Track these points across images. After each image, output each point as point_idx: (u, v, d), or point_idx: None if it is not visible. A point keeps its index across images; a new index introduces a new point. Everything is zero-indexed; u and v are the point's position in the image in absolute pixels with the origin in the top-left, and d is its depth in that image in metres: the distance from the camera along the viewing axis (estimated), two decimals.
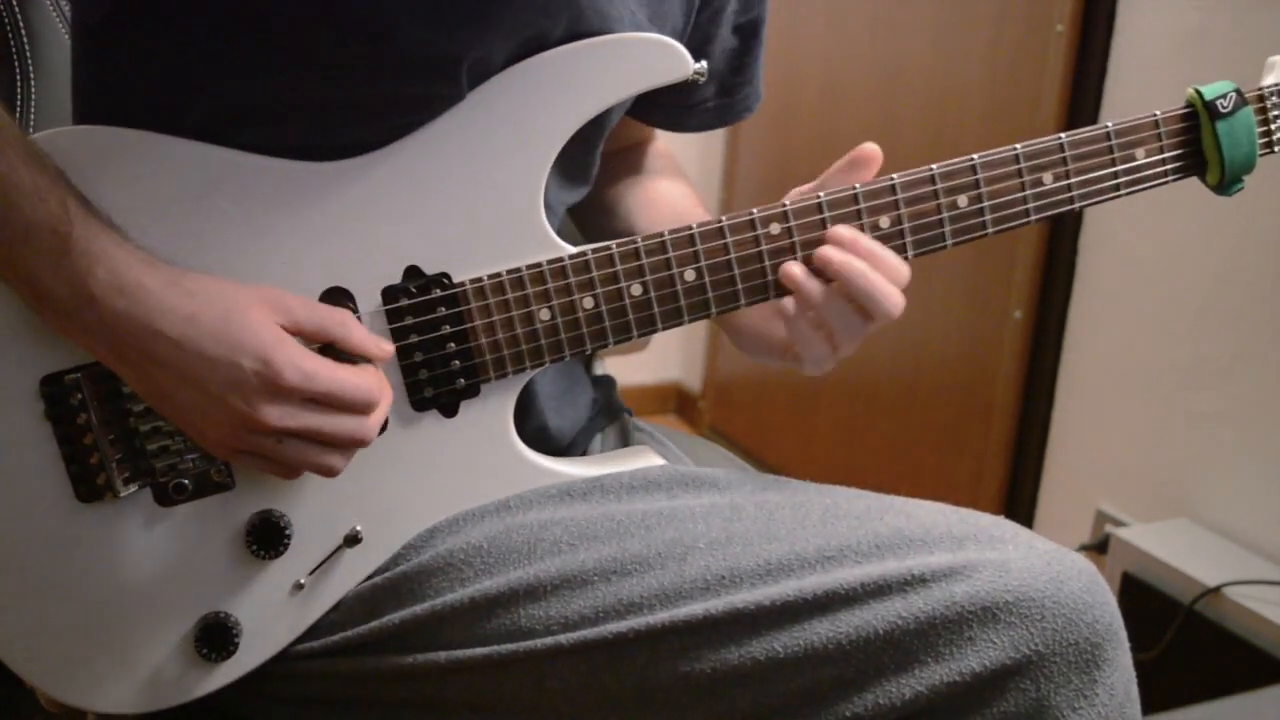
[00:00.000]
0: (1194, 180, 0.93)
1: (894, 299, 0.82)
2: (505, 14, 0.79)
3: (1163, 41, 1.80)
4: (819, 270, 0.83)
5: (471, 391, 0.83)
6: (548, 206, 0.85)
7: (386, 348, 0.80)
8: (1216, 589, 1.63)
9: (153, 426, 0.79)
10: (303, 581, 0.83)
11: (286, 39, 0.76)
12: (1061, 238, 1.99)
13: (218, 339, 0.72)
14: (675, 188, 1.06)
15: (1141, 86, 1.84)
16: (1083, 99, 1.92)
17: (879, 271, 0.82)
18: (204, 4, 0.77)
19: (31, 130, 0.93)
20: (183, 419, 0.76)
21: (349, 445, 0.76)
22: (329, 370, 0.74)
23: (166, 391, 0.74)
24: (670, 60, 0.83)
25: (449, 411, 0.84)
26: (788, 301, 0.86)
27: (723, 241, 0.84)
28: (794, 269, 0.83)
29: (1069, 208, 0.89)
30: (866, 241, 0.83)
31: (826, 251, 0.83)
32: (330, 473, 0.78)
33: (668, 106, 1.01)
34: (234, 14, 0.76)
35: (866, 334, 0.85)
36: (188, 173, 0.78)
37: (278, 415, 0.73)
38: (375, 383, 0.77)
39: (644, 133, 1.08)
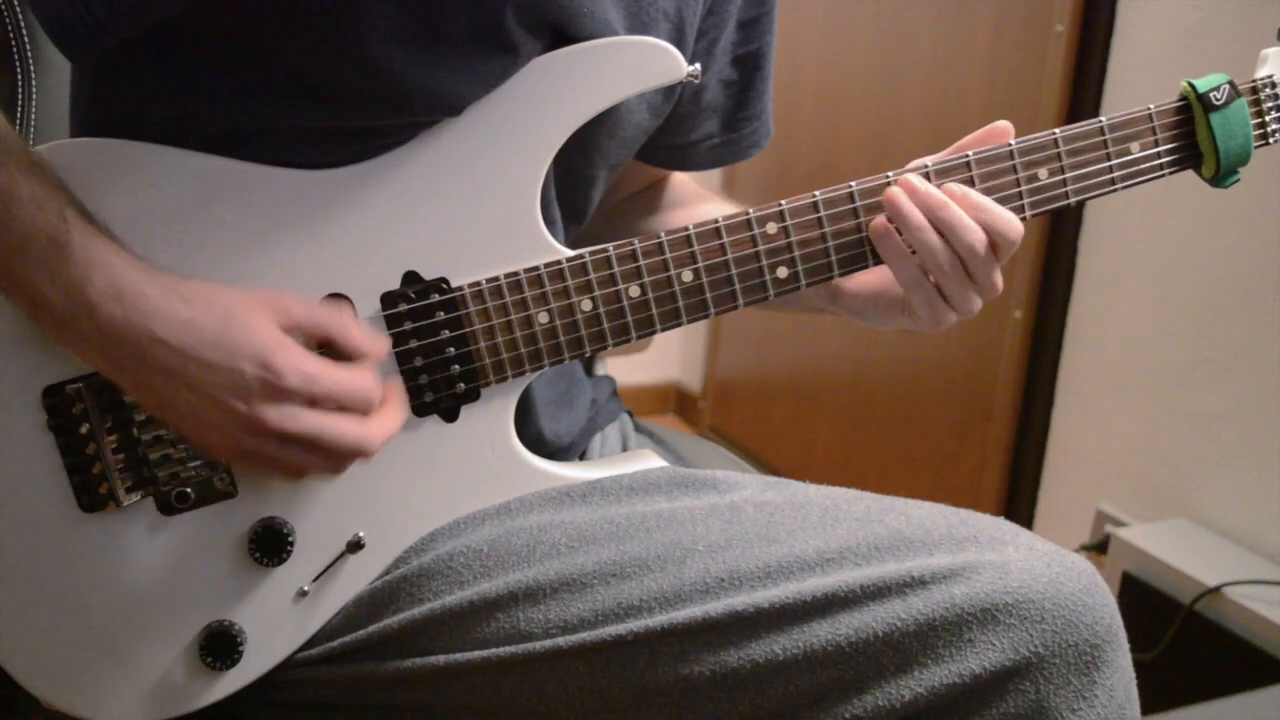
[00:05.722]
0: (1193, 180, 0.93)
1: (974, 229, 0.83)
2: (512, 69, 0.80)
3: (1162, 41, 1.80)
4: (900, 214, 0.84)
5: (471, 395, 0.84)
6: (554, 223, 0.86)
7: (382, 345, 0.80)
8: (1216, 589, 1.63)
9: (155, 435, 0.79)
10: (306, 588, 0.83)
11: (292, 77, 0.77)
12: (1061, 238, 1.99)
13: (217, 344, 0.71)
14: (703, 209, 1.06)
15: (1141, 86, 1.83)
16: (1083, 99, 1.92)
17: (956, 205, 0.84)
18: (204, 43, 0.77)
19: (34, 130, 0.93)
20: (182, 424, 0.75)
21: (350, 449, 0.76)
22: (330, 372, 0.74)
23: (165, 398, 0.73)
24: (663, 62, 0.83)
25: (449, 416, 0.84)
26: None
27: (719, 242, 0.85)
28: (892, 190, 0.84)
29: (1065, 203, 0.89)
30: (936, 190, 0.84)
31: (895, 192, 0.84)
32: (334, 473, 0.78)
33: (670, 146, 1.01)
34: (234, 52, 0.77)
35: (973, 282, 0.85)
36: (187, 183, 0.78)
37: (279, 418, 0.73)
38: (374, 385, 0.77)
39: (657, 172, 1.08)
